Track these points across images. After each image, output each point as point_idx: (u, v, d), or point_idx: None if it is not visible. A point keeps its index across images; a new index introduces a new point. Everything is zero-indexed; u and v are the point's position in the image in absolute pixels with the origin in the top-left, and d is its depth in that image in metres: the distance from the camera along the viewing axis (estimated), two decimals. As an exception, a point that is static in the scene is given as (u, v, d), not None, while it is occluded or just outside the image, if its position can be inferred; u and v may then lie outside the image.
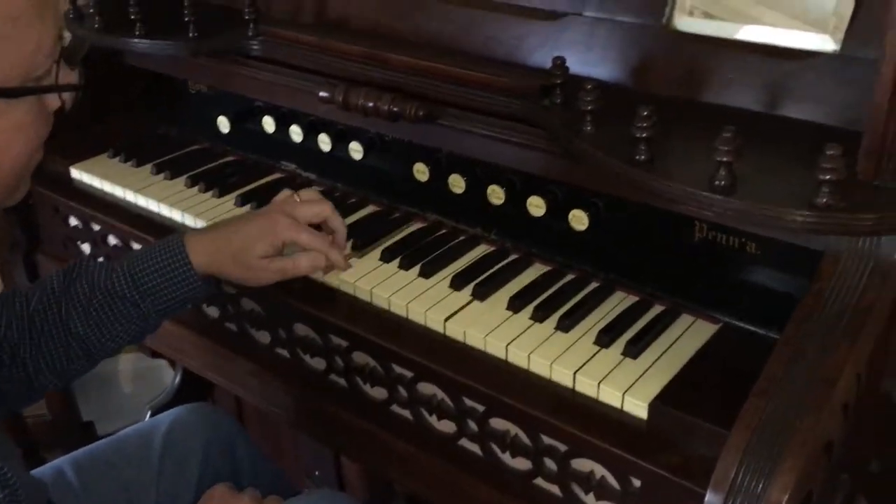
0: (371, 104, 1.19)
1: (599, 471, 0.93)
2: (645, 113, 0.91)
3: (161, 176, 1.44)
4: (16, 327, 1.08)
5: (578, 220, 1.13)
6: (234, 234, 1.11)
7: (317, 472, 1.67)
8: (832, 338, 0.82)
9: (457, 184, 1.23)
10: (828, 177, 0.81)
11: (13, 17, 0.76)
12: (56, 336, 1.08)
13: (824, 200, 0.82)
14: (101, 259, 1.36)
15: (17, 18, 0.76)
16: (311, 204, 1.14)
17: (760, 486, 0.76)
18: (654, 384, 0.93)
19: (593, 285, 1.11)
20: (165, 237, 1.13)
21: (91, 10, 1.45)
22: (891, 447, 1.01)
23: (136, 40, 1.40)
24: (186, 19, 1.37)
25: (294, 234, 1.10)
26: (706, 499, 0.78)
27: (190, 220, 1.33)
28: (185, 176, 1.43)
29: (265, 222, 1.11)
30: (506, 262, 1.16)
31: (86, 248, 1.48)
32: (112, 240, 1.41)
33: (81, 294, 1.08)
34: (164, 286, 1.09)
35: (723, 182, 0.86)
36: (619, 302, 1.08)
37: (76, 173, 1.49)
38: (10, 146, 0.81)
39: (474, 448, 1.04)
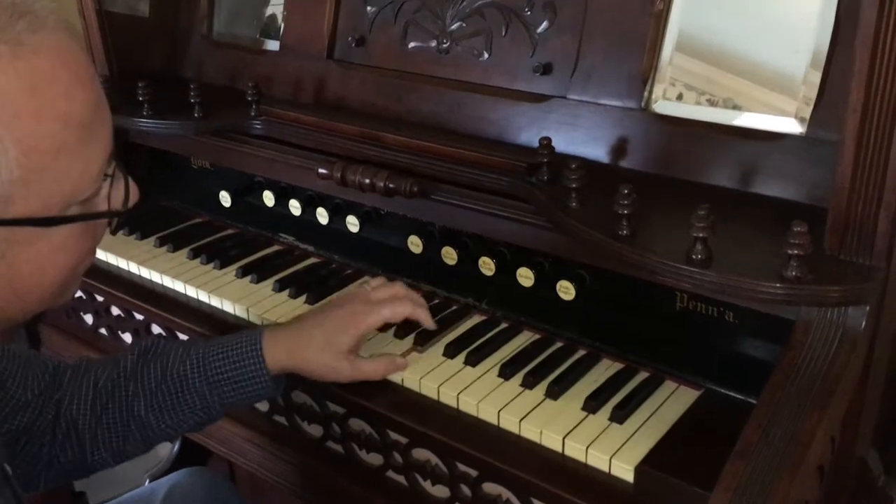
0: (368, 181, 1.25)
1: (589, 533, 0.96)
2: (625, 191, 0.97)
3: (164, 248, 1.49)
4: (79, 402, 1.09)
5: (566, 290, 1.18)
6: (316, 328, 1.10)
7: None
8: (805, 403, 0.87)
9: (449, 255, 1.29)
10: (795, 251, 0.87)
11: (55, 149, 0.73)
12: (118, 416, 1.09)
13: (793, 273, 0.88)
14: (160, 334, 1.39)
15: (59, 150, 0.73)
16: (386, 287, 1.18)
17: (741, 546, 0.80)
18: (640, 448, 0.97)
19: (581, 353, 1.15)
20: (244, 331, 1.12)
21: (100, 91, 1.51)
22: (868, 509, 1.05)
23: (144, 120, 1.47)
24: (192, 100, 1.44)
25: (377, 319, 1.12)
26: (690, 560, 0.82)
27: (192, 292, 1.38)
28: (187, 248, 1.48)
29: (346, 314, 1.11)
30: (497, 330, 1.21)
31: (88, 318, 1.52)
32: (114, 310, 1.46)
33: (152, 378, 1.09)
34: (234, 381, 1.08)
35: (699, 256, 0.92)
36: (605, 369, 1.13)
37: (81, 246, 1.54)
38: (52, 265, 0.79)
39: (468, 513, 1.07)
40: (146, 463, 1.82)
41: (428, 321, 1.18)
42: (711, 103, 1.13)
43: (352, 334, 1.10)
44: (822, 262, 0.91)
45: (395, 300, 1.15)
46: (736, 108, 1.11)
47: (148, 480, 1.54)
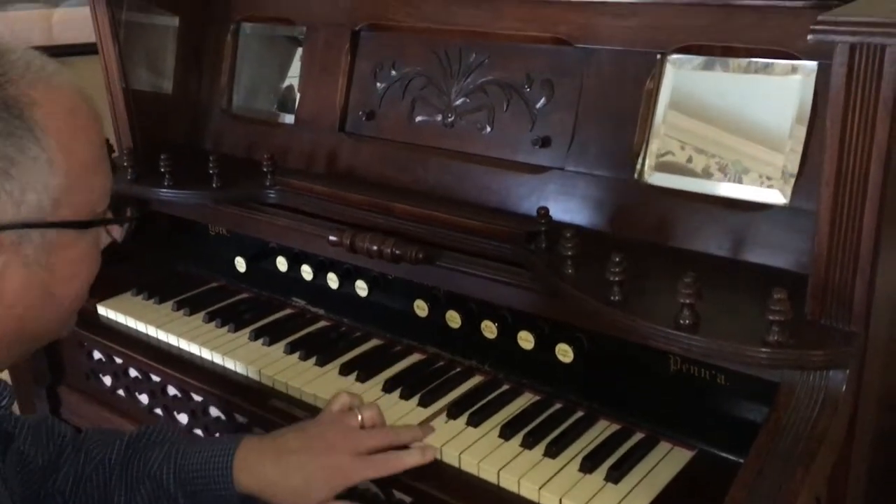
0: (375, 247, 1.31)
1: (586, 592, 0.99)
2: (617, 259, 1.03)
3: (181, 312, 1.55)
4: (71, 483, 1.14)
5: (564, 353, 1.23)
6: (296, 471, 1.06)
7: None
8: (789, 463, 0.90)
9: (453, 319, 1.34)
10: (776, 317, 0.91)
11: (87, 164, 0.87)
12: (99, 502, 1.13)
13: (775, 338, 0.92)
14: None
15: (89, 165, 0.88)
16: (377, 437, 1.11)
17: None
18: (634, 508, 1.01)
19: (579, 414, 1.19)
20: (224, 439, 1.13)
21: (125, 163, 1.60)
22: (863, 570, 1.07)
23: (165, 190, 1.55)
24: (211, 171, 1.51)
25: (363, 477, 1.07)
26: None
27: (207, 354, 1.43)
28: (203, 312, 1.54)
29: (332, 465, 1.06)
30: (498, 391, 1.26)
31: (107, 380, 1.57)
32: (132, 372, 1.51)
33: (133, 475, 1.12)
34: (204, 494, 1.09)
35: (686, 321, 0.97)
36: (602, 430, 1.16)
37: (102, 310, 1.61)
38: (74, 279, 0.91)
39: (469, 572, 1.10)
40: None
41: (417, 462, 1.10)
42: (700, 176, 1.18)
43: (332, 488, 1.07)
44: (803, 327, 0.95)
45: (384, 460, 1.09)
46: (724, 169, 1.17)
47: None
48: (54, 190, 0.84)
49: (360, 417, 1.12)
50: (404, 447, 1.12)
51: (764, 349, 0.92)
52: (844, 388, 0.93)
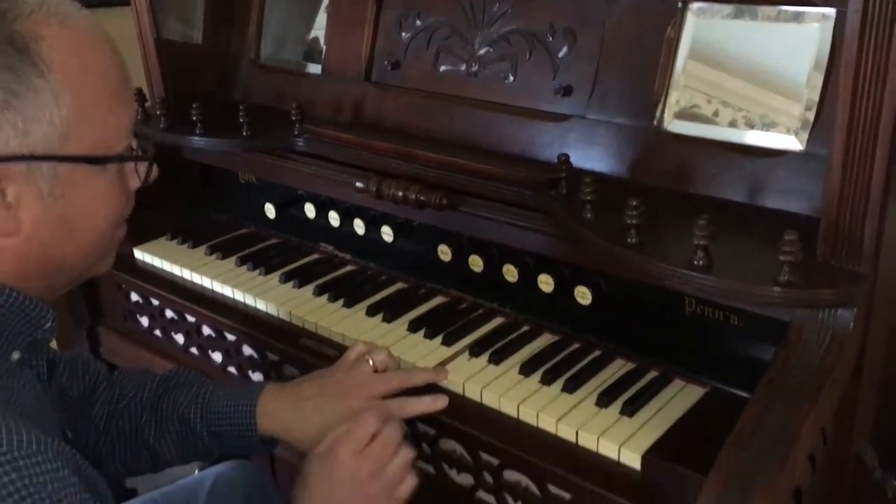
0: (401, 194, 1.35)
1: (599, 517, 1.05)
2: (634, 203, 1.06)
3: (214, 256, 1.61)
4: (105, 416, 1.20)
5: (583, 295, 1.27)
6: (313, 415, 1.11)
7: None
8: (796, 397, 0.94)
9: (476, 263, 1.38)
10: (788, 258, 0.95)
11: (97, 100, 0.88)
12: (130, 438, 1.19)
13: (786, 278, 0.96)
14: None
15: (100, 102, 0.89)
16: (389, 380, 1.15)
17: (733, 524, 0.87)
18: (647, 439, 1.06)
19: (596, 353, 1.24)
20: (248, 386, 1.18)
21: (157, 112, 1.65)
22: (866, 502, 1.12)
23: (196, 138, 1.60)
24: (241, 120, 1.56)
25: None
26: (687, 539, 0.90)
27: (239, 296, 1.49)
28: (235, 256, 1.60)
29: (345, 409, 1.10)
30: (519, 332, 1.31)
31: (144, 321, 1.64)
32: (168, 313, 1.58)
33: (163, 413, 1.18)
34: (229, 437, 1.15)
35: (700, 262, 1.01)
36: (618, 368, 1.21)
37: (139, 254, 1.67)
38: (94, 214, 0.92)
39: (490, 499, 1.16)
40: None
41: (428, 408, 1.14)
42: (719, 123, 1.21)
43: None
44: (814, 268, 0.99)
45: (397, 405, 1.13)
46: (744, 119, 1.19)
47: (197, 470, 1.65)
48: (61, 124, 0.85)
49: (371, 362, 1.17)
50: (417, 391, 1.17)
51: (775, 288, 0.96)
52: (852, 325, 0.97)
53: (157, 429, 1.17)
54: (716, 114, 1.21)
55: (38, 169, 0.86)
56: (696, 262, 1.01)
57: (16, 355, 0.92)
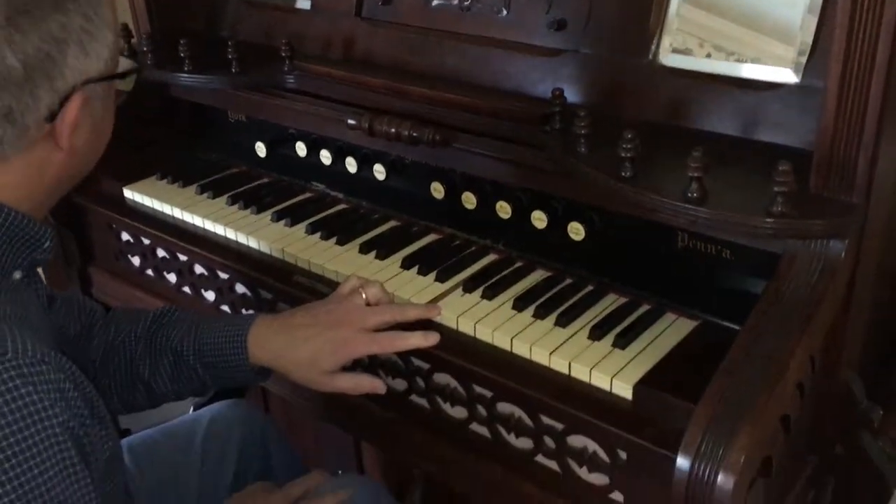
0: (393, 130, 1.35)
1: (592, 446, 1.06)
2: (629, 136, 1.06)
3: (204, 196, 1.60)
4: (101, 353, 1.21)
5: (576, 231, 1.27)
6: (304, 343, 1.12)
7: (339, 472, 1.81)
8: (786, 326, 0.96)
9: (469, 200, 1.38)
10: (781, 189, 0.95)
11: (111, 23, 0.92)
12: (125, 373, 1.20)
13: (778, 209, 0.96)
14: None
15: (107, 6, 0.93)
16: (382, 312, 1.15)
17: (721, 450, 0.89)
18: (639, 370, 1.07)
19: (588, 288, 1.25)
20: (240, 317, 1.18)
21: (144, 48, 1.62)
22: (853, 432, 1.14)
23: (184, 75, 1.57)
24: (229, 57, 1.53)
25: (367, 351, 1.12)
26: (676, 463, 0.91)
27: (231, 234, 1.49)
28: (226, 195, 1.59)
29: (338, 338, 1.11)
30: (512, 268, 1.31)
31: (136, 260, 1.64)
32: (160, 252, 1.57)
33: (157, 347, 1.18)
34: (222, 367, 1.16)
35: (694, 194, 1.01)
36: (610, 303, 1.22)
37: (129, 193, 1.66)
38: (108, 127, 0.98)
39: (483, 431, 1.18)
40: (184, 404, 1.95)
41: (420, 344, 1.14)
42: (715, 55, 1.20)
43: (338, 360, 1.11)
44: (806, 199, 0.99)
45: (388, 337, 1.14)
46: (738, 59, 1.18)
47: (192, 408, 1.67)
48: (112, 45, 0.92)
49: (364, 296, 1.17)
50: (410, 326, 1.17)
51: (768, 219, 0.96)
52: (843, 255, 0.97)
53: (151, 363, 1.18)
54: (712, 46, 1.20)
55: (96, 90, 0.91)
56: (689, 195, 1.01)
57: (17, 275, 0.94)
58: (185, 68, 1.58)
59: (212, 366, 1.16)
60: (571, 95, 1.26)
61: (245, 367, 1.14)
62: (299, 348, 1.12)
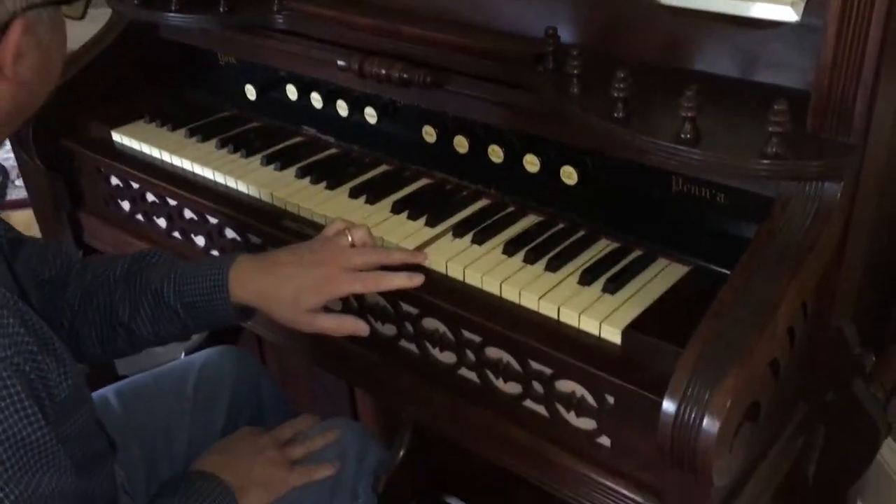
0: (384, 72, 1.31)
1: (579, 391, 1.05)
2: (622, 76, 1.03)
3: (194, 139, 1.58)
4: (74, 293, 1.19)
5: (569, 175, 1.25)
6: (286, 281, 1.10)
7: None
8: (777, 269, 0.94)
9: (461, 144, 1.36)
10: (776, 129, 0.93)
11: None
12: (104, 316, 1.18)
13: (773, 150, 0.94)
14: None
15: None
16: (366, 254, 1.14)
17: (707, 393, 0.88)
18: (628, 315, 1.06)
19: (580, 233, 1.23)
20: (220, 257, 1.15)
21: (131, -12, 1.58)
22: (844, 379, 1.13)
23: (171, 15, 1.54)
24: (217, -5, 1.50)
25: (350, 289, 1.10)
26: (662, 406, 0.91)
27: (220, 178, 1.46)
28: (215, 139, 1.56)
29: (321, 276, 1.09)
30: (503, 213, 1.29)
31: (125, 205, 1.62)
32: (149, 197, 1.55)
33: (136, 289, 1.16)
34: (203, 307, 1.14)
35: (687, 135, 0.98)
36: (602, 248, 1.20)
37: (117, 137, 1.63)
38: (60, 55, 0.95)
39: (472, 376, 1.17)
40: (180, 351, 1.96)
41: (404, 284, 1.14)
42: (713, -6, 1.16)
43: (321, 299, 1.10)
44: (803, 140, 0.97)
45: (372, 276, 1.12)
46: (736, -2, 1.14)
47: (183, 354, 1.66)
48: None
49: (350, 238, 1.15)
50: (394, 269, 1.15)
51: (762, 160, 0.94)
52: (839, 198, 0.95)
53: (131, 306, 1.16)
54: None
55: (41, 16, 0.88)
56: (683, 136, 0.98)
57: None
58: (173, 7, 1.54)
59: (192, 306, 1.14)
60: (566, 35, 1.23)
61: (226, 306, 1.13)
62: (282, 286, 1.10)
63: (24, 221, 2.09)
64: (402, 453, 1.30)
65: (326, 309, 1.13)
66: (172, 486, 1.12)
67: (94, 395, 1.36)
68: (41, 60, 0.91)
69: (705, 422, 0.87)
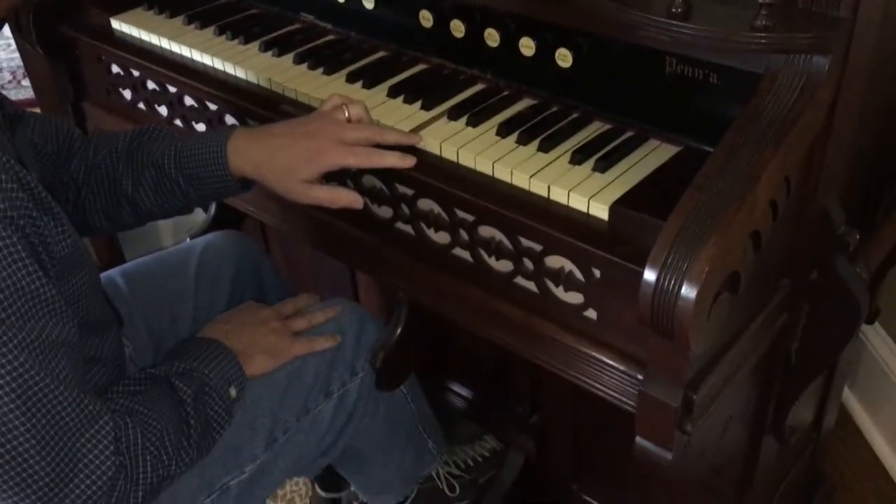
0: (380, -46, 1.30)
1: (568, 266, 1.08)
2: (615, -50, 1.02)
3: (192, 26, 1.57)
4: (79, 166, 1.22)
5: (564, 58, 1.25)
6: (280, 151, 1.12)
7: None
8: (761, 143, 0.95)
9: (457, 28, 1.35)
10: (766, 1, 0.92)
11: None
12: (109, 188, 1.21)
13: (762, 23, 0.94)
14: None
15: None
16: (361, 129, 1.15)
17: (687, 262, 0.90)
18: (617, 192, 1.08)
19: (574, 116, 1.24)
20: (219, 129, 1.16)
21: None
22: (829, 257, 1.15)
23: None
24: None
25: (342, 161, 1.11)
26: (643, 276, 0.93)
27: (219, 64, 1.47)
28: (213, 25, 1.56)
29: (313, 147, 1.11)
30: (498, 97, 1.30)
31: (127, 94, 1.63)
32: (150, 84, 1.56)
33: (138, 161, 1.19)
34: (204, 178, 1.16)
35: (678, 10, 0.98)
36: (595, 130, 1.21)
37: (116, 24, 1.63)
38: None
39: (465, 255, 1.20)
40: (187, 224, 2.00)
41: (396, 163, 1.15)
42: None
43: (313, 169, 1.12)
44: (793, 13, 0.96)
45: (365, 151, 1.14)
46: None
47: (188, 239, 1.71)
48: None
49: (346, 113, 1.17)
50: (388, 150, 1.17)
51: (752, 33, 0.94)
52: (826, 72, 0.96)
53: (133, 178, 1.19)
54: None
55: None
56: (673, 10, 0.98)
57: None
58: None
59: (193, 177, 1.17)
60: (563, -88, 1.21)
61: (225, 176, 1.15)
62: (276, 156, 1.12)
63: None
64: (399, 330, 1.35)
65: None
66: (177, 349, 1.18)
67: (102, 276, 1.41)
68: None
69: (683, 289, 0.90)
